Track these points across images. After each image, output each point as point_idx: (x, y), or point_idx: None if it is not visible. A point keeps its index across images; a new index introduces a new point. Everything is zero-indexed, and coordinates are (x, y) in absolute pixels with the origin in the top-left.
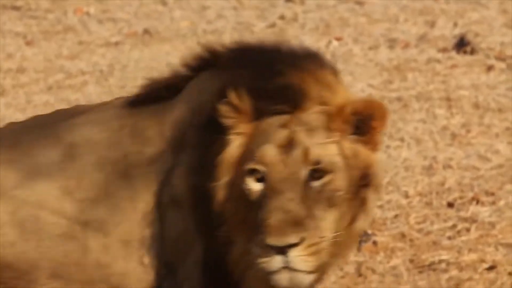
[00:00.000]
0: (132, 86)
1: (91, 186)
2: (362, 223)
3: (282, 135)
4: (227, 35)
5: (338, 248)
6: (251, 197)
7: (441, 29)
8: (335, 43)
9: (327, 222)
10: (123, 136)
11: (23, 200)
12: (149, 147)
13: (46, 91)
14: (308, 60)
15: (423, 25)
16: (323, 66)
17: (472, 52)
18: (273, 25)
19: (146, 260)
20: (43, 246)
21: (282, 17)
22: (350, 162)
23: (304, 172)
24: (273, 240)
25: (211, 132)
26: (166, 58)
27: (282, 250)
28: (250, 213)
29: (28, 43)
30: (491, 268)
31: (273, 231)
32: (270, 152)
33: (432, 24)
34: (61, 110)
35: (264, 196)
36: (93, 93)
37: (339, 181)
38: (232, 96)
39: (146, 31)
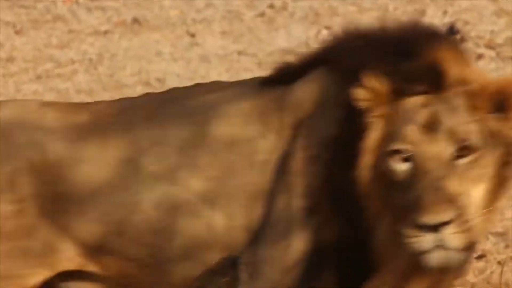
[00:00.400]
0: (121, 75)
1: (219, 166)
2: (503, 201)
3: (425, 114)
4: (216, 24)
5: (482, 226)
6: (396, 178)
7: (430, 17)
8: (324, 32)
9: (475, 200)
10: (251, 118)
11: (157, 176)
12: (270, 132)
13: (35, 80)
14: (440, 39)
15: (413, 14)
16: (454, 44)
17: (462, 40)
18: (262, 14)
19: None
20: (176, 224)
21: (271, 6)
22: (493, 140)
23: (450, 150)
24: (427, 219)
25: (337, 121)
26: (155, 47)
27: (435, 228)
28: (395, 194)
29: (17, 32)
30: (480, 257)
31: (426, 210)
32: (415, 131)
33: (421, 13)
34: (199, 84)
35: (412, 175)
36: (83, 82)
37: (484, 159)
38: (369, 79)
39: (135, 20)
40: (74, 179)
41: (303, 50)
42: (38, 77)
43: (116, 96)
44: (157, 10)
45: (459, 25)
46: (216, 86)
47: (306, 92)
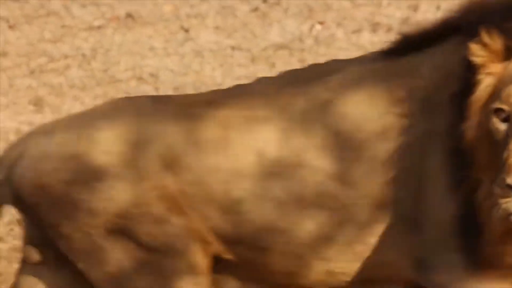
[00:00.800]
0: (115, 70)
1: (348, 144)
2: None
3: None
4: (210, 19)
5: None
6: (496, 137)
7: (424, 12)
8: (318, 27)
9: None
10: (378, 95)
11: (284, 161)
12: (400, 108)
13: (28, 75)
14: None
15: (406, 9)
16: None
17: None
18: (256, 9)
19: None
20: (306, 205)
21: (265, 1)
22: None
23: None
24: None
25: (463, 97)
26: (149, 42)
27: None
28: (495, 153)
29: (10, 27)
30: None
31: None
32: None
33: (415, 8)
34: (315, 65)
35: (507, 136)
36: (76, 77)
37: None
38: (484, 35)
39: (129, 15)
40: (199, 168)
41: (297, 45)
42: (32, 72)
43: (109, 91)
44: (151, 5)
45: None
46: (338, 63)
47: (435, 66)
